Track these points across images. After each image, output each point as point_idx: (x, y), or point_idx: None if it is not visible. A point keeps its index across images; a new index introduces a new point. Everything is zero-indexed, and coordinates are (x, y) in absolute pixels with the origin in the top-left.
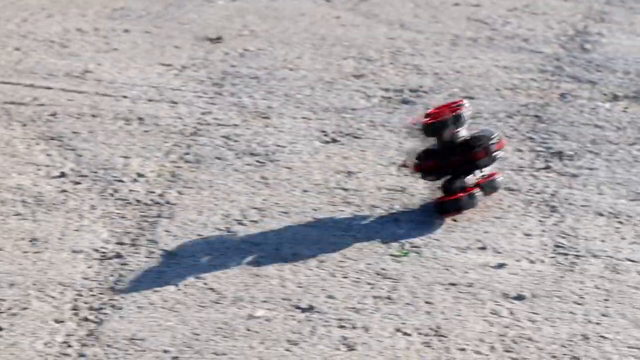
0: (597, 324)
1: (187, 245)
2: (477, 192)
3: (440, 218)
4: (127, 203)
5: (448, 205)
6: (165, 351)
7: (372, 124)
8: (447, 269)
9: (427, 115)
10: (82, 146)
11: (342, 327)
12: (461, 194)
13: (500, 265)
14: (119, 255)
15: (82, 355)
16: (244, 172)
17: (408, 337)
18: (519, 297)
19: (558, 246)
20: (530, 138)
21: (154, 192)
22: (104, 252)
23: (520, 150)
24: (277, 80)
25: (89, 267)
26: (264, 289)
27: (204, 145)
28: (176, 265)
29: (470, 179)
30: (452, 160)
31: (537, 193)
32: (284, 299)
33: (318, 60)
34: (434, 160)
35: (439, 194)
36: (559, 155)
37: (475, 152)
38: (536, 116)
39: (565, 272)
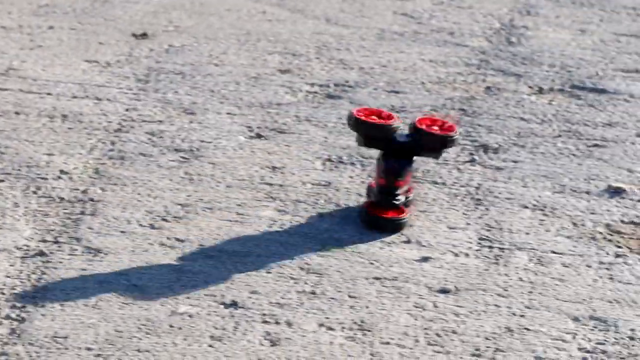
0: (522, 316)
1: (110, 242)
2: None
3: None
4: (51, 200)
5: (391, 223)
6: (88, 349)
7: (297, 119)
8: (372, 263)
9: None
10: (5, 144)
11: (265, 322)
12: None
13: (425, 259)
14: (41, 253)
15: (3, 354)
16: (168, 168)
17: (332, 331)
18: (444, 291)
19: (483, 239)
20: None
21: (77, 190)
22: (26, 250)
23: None
24: (202, 76)
25: (11, 265)
26: (187, 285)
27: (128, 142)
28: (99, 262)
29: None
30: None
31: (462, 186)
32: (207, 295)
33: (243, 56)
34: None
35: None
36: (484, 148)
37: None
38: (461, 109)
39: (490, 265)
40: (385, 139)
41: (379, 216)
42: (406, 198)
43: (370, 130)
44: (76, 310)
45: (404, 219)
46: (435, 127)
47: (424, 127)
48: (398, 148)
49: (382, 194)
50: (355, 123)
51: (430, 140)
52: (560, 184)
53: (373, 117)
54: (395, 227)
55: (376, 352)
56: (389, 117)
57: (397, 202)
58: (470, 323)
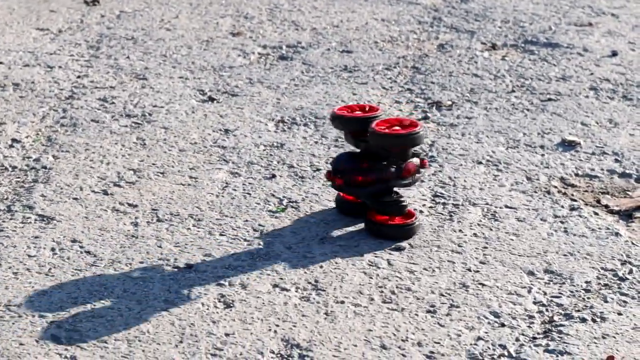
0: (476, 271)
1: (63, 210)
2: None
3: (317, 172)
4: (3, 169)
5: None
6: (41, 316)
7: (250, 81)
8: (326, 223)
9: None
10: None
11: (219, 285)
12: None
13: None
14: None
15: None
16: (120, 134)
17: (286, 292)
18: (398, 248)
19: (437, 196)
20: (409, 89)
21: (30, 158)
22: None
23: (398, 102)
24: (153, 41)
25: None
26: (141, 249)
27: (80, 109)
28: (52, 229)
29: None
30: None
31: None
32: (160, 259)
33: (195, 20)
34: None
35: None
36: (437, 105)
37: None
38: (414, 67)
39: (444, 222)
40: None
41: (382, 224)
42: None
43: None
44: (30, 278)
45: (412, 223)
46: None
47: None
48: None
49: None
50: (373, 134)
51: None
52: (514, 139)
53: (396, 127)
54: (404, 233)
55: (331, 311)
56: (413, 124)
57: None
58: (425, 280)
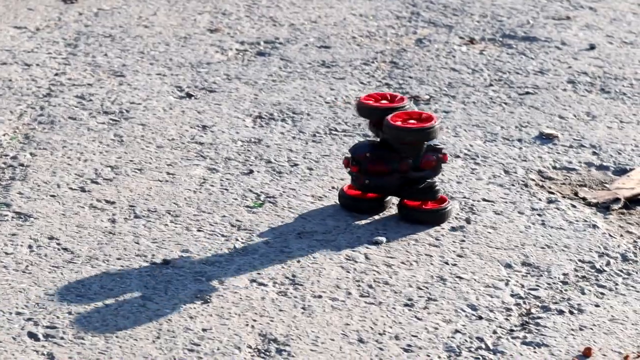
0: (454, 265)
1: (40, 207)
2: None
3: (295, 167)
4: None
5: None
6: (18, 313)
7: (228, 77)
8: (303, 218)
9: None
10: None
11: (197, 280)
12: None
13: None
14: None
15: None
16: (97, 131)
17: (263, 287)
18: (375, 243)
19: None
20: (387, 84)
21: (7, 155)
22: None
23: None
24: (131, 38)
25: None
26: (118, 246)
27: (57, 106)
28: (29, 227)
29: None
30: None
31: None
32: (138, 256)
33: (173, 16)
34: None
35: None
36: (415, 99)
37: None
38: (392, 62)
39: None
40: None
41: (416, 209)
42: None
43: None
44: (7, 276)
45: (445, 208)
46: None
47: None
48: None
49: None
50: (389, 127)
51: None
52: (492, 132)
53: (411, 120)
54: (437, 218)
55: (308, 305)
56: (429, 118)
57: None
58: (402, 274)
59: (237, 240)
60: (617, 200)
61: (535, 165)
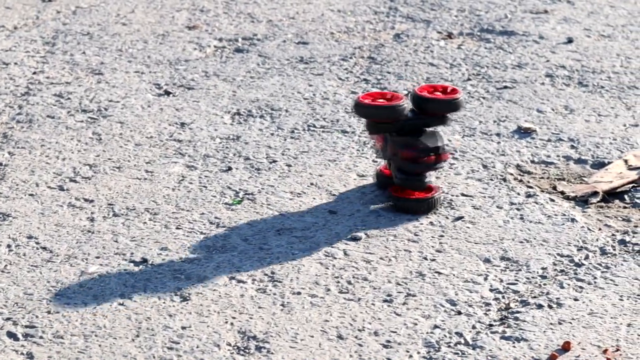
0: (433, 260)
1: (19, 206)
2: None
3: (273, 164)
4: None
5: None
6: None
7: (206, 74)
8: (282, 215)
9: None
10: None
11: (176, 278)
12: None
13: (335, 207)
14: None
15: None
16: (76, 129)
17: (243, 284)
18: (354, 239)
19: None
20: (365, 80)
21: None
22: None
23: (354, 93)
24: (109, 36)
25: None
26: (97, 244)
27: (35, 105)
28: (8, 226)
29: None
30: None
31: None
32: (117, 254)
33: (151, 14)
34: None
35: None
36: None
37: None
38: (371, 57)
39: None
40: (396, 120)
41: (406, 198)
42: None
43: (380, 113)
44: None
45: (433, 197)
46: (438, 93)
47: (425, 94)
48: (409, 127)
49: (405, 174)
50: (359, 108)
51: (435, 107)
52: (470, 127)
53: (380, 100)
54: (427, 207)
55: (287, 302)
56: (396, 97)
57: (423, 182)
58: (381, 269)
59: (216, 237)
60: (595, 193)
61: (513, 160)
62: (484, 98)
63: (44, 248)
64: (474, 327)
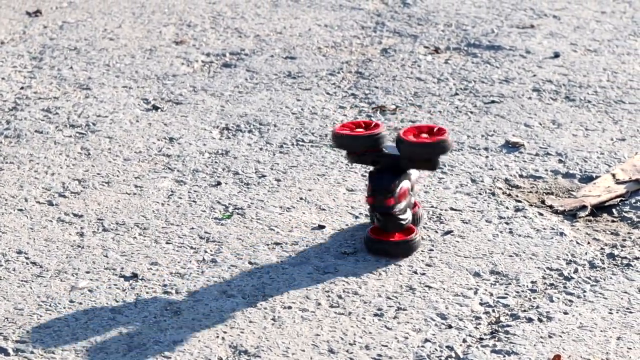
0: (423, 274)
1: (8, 222)
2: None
3: (262, 179)
4: None
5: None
6: None
7: (194, 89)
8: (272, 229)
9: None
10: None
11: (166, 292)
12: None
13: (325, 222)
14: None
15: None
16: (64, 144)
17: (233, 298)
18: (344, 253)
19: None
20: (353, 94)
21: None
22: None
23: (342, 107)
24: (97, 51)
25: None
26: (87, 259)
27: (23, 120)
28: None
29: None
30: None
31: None
32: (107, 269)
33: (138, 29)
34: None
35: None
36: (381, 109)
37: None
38: (358, 72)
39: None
40: (375, 150)
41: (384, 241)
42: (413, 215)
43: (355, 143)
44: None
45: (414, 239)
46: (424, 135)
47: (411, 138)
48: (389, 163)
49: (383, 215)
50: (336, 138)
51: (422, 152)
52: (459, 141)
53: (358, 130)
54: (405, 250)
55: (278, 316)
56: (376, 125)
57: (403, 223)
58: (372, 284)
59: (206, 252)
60: (583, 207)
61: (502, 174)
62: (471, 112)
63: (34, 263)
64: (464, 340)
